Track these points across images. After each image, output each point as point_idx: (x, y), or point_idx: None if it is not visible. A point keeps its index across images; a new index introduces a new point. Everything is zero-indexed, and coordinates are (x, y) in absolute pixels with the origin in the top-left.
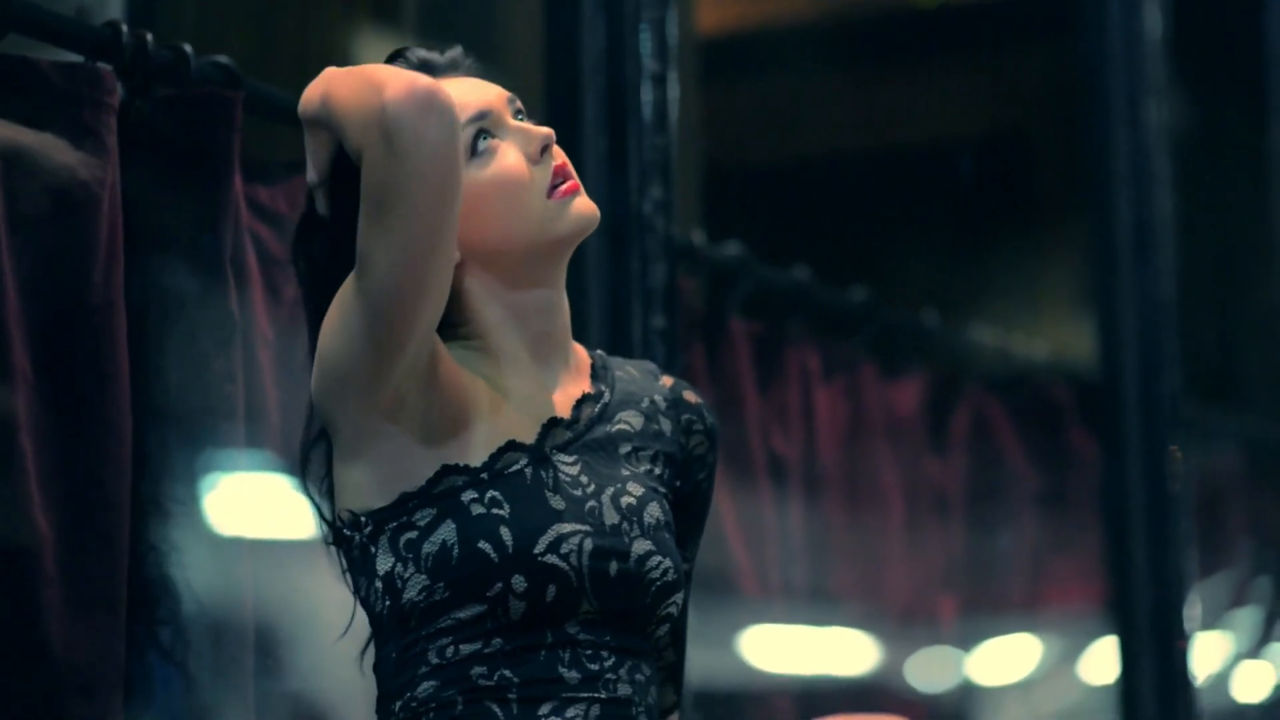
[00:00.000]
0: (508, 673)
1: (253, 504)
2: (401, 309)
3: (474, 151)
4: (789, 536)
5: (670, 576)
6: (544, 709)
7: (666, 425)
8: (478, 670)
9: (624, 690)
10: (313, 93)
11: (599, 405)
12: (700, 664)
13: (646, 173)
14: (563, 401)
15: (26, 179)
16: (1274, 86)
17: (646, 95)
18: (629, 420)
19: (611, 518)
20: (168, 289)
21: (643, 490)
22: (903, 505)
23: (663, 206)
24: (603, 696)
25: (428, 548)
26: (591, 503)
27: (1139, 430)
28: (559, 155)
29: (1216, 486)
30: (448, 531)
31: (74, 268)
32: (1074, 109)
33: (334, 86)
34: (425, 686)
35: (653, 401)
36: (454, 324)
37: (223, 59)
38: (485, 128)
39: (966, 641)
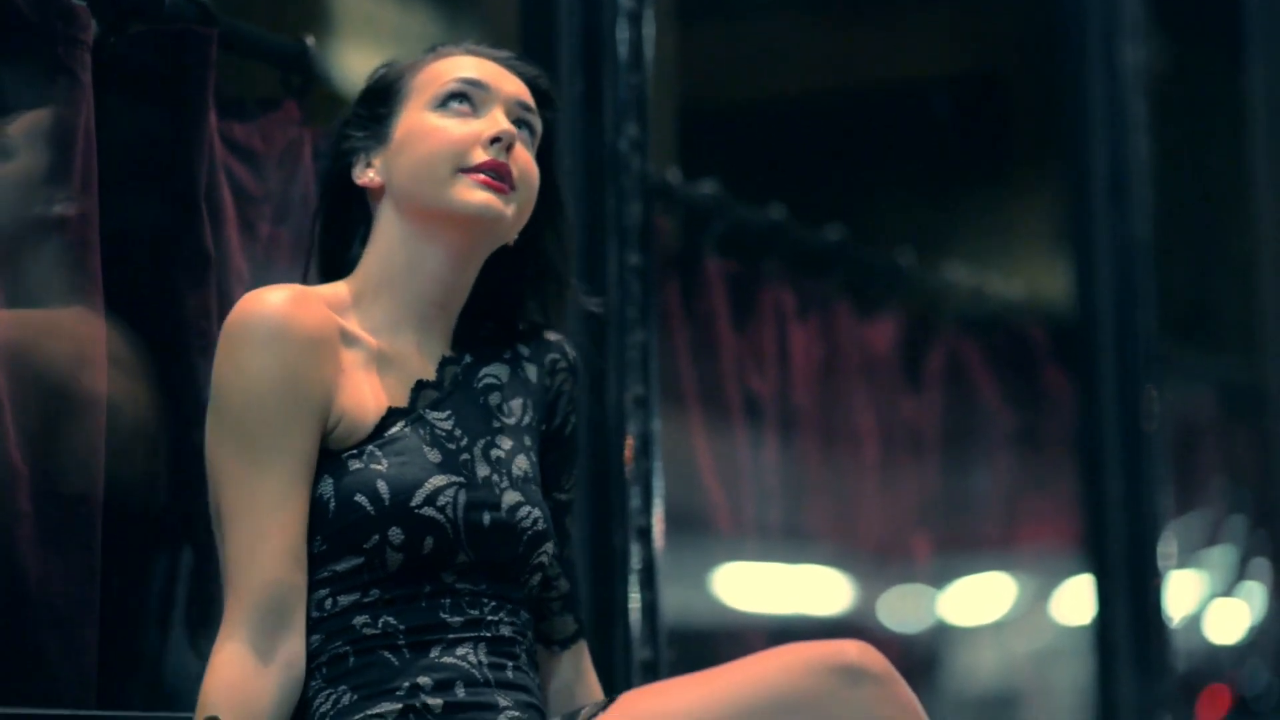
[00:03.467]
0: (392, 619)
1: None
2: None
3: (440, 102)
4: (763, 475)
5: (540, 526)
6: (434, 651)
7: (532, 370)
8: (360, 619)
9: (506, 631)
10: None
11: (461, 365)
12: (674, 601)
13: (622, 111)
14: (430, 364)
15: None
16: (1251, 30)
17: (622, 33)
18: (495, 373)
19: (483, 470)
20: (142, 225)
21: (511, 443)
22: (877, 444)
23: (638, 145)
24: (488, 635)
25: None
26: (465, 455)
27: (1114, 370)
28: (517, 159)
29: (1191, 426)
30: (325, 486)
31: (48, 204)
32: (1050, 49)
33: None
34: (311, 640)
35: (515, 350)
36: (360, 240)
37: None
38: (465, 93)
39: (940, 580)
